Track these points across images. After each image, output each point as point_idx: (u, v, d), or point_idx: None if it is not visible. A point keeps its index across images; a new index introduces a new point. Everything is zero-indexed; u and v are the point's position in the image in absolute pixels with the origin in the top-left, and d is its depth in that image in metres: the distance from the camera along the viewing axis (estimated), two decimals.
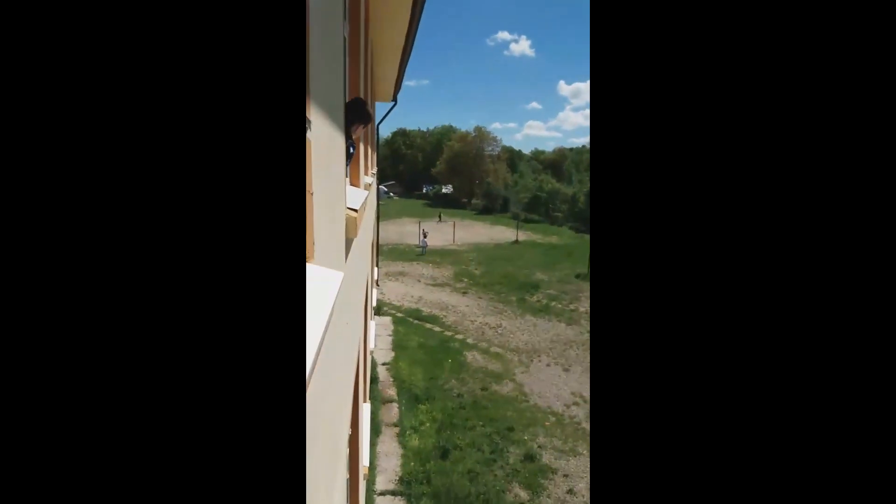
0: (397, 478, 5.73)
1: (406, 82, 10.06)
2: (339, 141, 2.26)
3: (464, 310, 12.65)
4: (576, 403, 7.86)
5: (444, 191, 49.89)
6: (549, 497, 5.60)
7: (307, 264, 1.33)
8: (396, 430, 6.77)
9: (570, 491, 5.72)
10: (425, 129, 60.82)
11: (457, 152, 46.24)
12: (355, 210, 2.66)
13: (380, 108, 11.10)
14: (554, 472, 6.07)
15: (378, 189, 10.79)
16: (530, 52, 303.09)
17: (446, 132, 56.41)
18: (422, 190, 54.65)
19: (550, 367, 9.20)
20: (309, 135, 1.38)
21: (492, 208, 40.97)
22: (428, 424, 6.92)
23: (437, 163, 48.57)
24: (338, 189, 2.09)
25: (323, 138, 1.66)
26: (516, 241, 24.45)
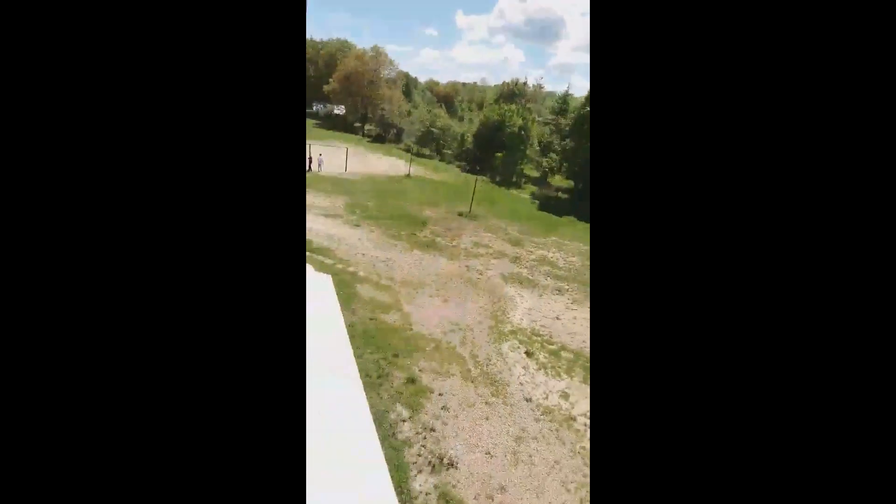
0: None
1: None
2: None
3: (355, 242, 12.94)
4: (452, 331, 8.91)
5: (336, 112, 47.12)
6: (426, 413, 6.57)
7: None
8: None
9: (443, 407, 6.75)
10: (318, 41, 55.39)
11: (352, 70, 43.41)
12: None
13: None
14: (431, 391, 7.06)
15: None
16: None
17: (342, 47, 52.25)
18: (312, 108, 50.87)
19: (432, 299, 10.14)
20: None
21: (385, 137, 40.15)
22: None
23: (331, 80, 45.23)
24: None
25: None
26: (408, 176, 24.76)
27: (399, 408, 6.60)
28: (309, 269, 1.61)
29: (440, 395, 7.03)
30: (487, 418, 6.69)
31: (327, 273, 10.37)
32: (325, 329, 1.13)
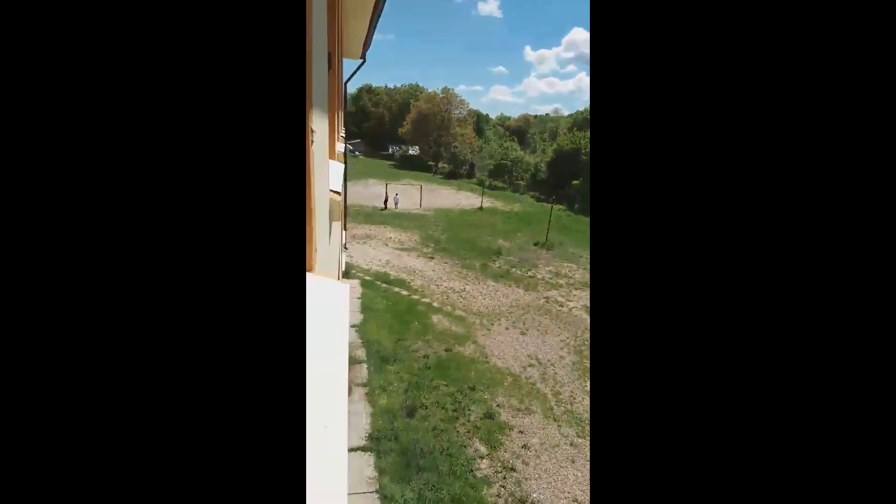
0: (367, 434, 6.10)
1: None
2: (325, 128, 2.34)
3: (430, 274, 12.96)
4: (531, 365, 8.42)
5: (410, 152, 49.19)
6: (505, 451, 6.14)
7: (312, 275, 1.49)
8: (366, 389, 7.11)
9: (524, 446, 6.28)
10: (391, 87, 58.90)
11: (424, 113, 45.33)
12: (338, 192, 2.75)
13: (348, 66, 10.79)
14: (511, 428, 6.61)
15: (345, 148, 10.66)
16: (498, 14, 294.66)
17: (413, 91, 54.90)
18: (387, 150, 53.60)
19: (509, 331, 9.73)
20: (313, 147, 1.51)
21: (458, 173, 40.97)
22: (395, 384, 7.30)
23: (404, 123, 47.52)
24: (324, 180, 2.19)
25: (321, 145, 1.78)
26: (481, 208, 24.77)
27: (476, 443, 6.22)
28: (329, 279, 1.55)
29: (520, 432, 6.55)
30: (573, 461, 6.09)
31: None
32: (322, 344, 1.03)
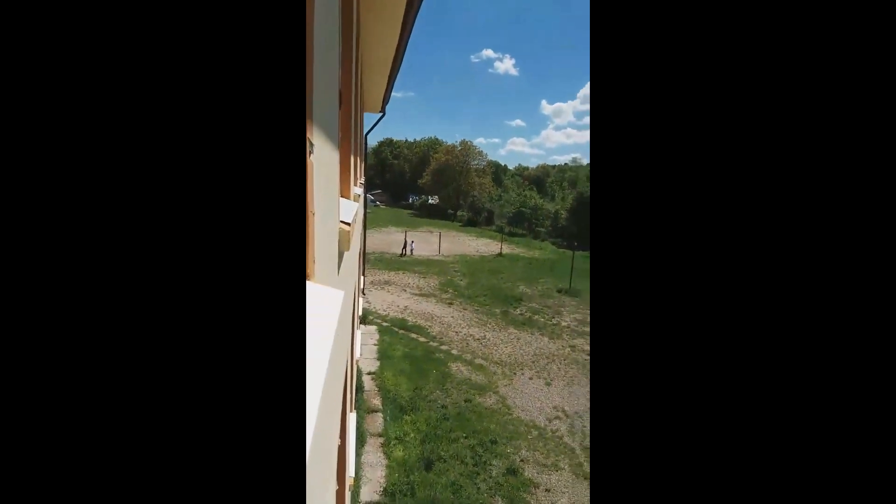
0: (382, 488, 5.70)
1: (393, 94, 10.08)
2: (335, 157, 2.32)
3: (449, 320, 12.68)
4: (557, 418, 7.93)
5: (430, 201, 50.04)
6: None
7: (308, 283, 1.38)
8: (381, 440, 6.75)
9: None
10: (412, 140, 61.08)
11: (443, 164, 46.53)
12: (348, 224, 2.70)
13: (368, 119, 11.18)
14: (536, 486, 6.11)
15: (365, 198, 10.85)
16: (514, 71, 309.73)
17: (432, 144, 56.77)
18: (408, 200, 54.77)
19: (533, 381, 9.27)
20: (312, 157, 1.43)
21: (477, 221, 41.24)
22: (412, 435, 6.91)
23: (424, 174, 48.77)
24: (332, 205, 2.14)
25: (323, 157, 1.71)
26: (500, 254, 24.63)
27: (499, 502, 5.73)
28: (324, 287, 1.43)
29: (547, 490, 6.03)
30: None
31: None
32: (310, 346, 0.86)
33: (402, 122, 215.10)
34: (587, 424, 7.70)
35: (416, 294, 15.34)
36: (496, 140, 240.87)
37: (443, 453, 6.52)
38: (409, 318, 12.59)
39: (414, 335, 11.33)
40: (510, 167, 64.86)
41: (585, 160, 59.66)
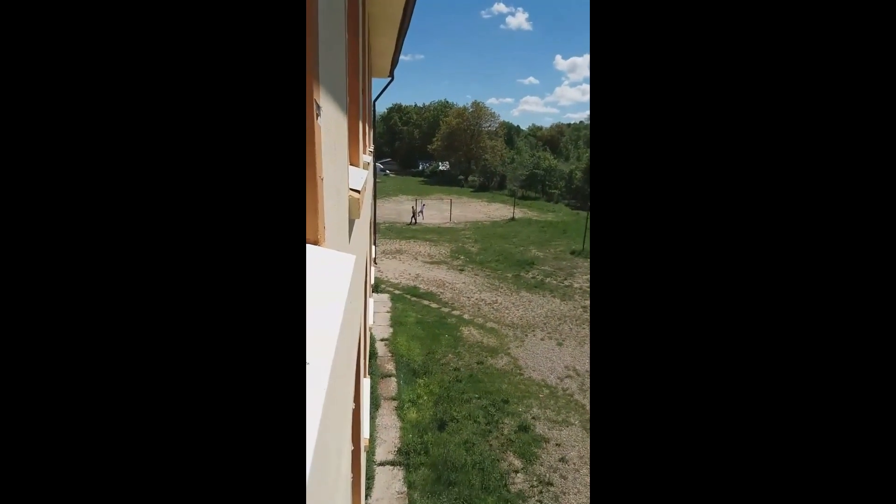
0: (396, 449, 5.95)
1: (401, 57, 9.83)
2: (343, 123, 2.30)
3: (460, 286, 12.80)
4: (569, 376, 8.08)
5: (440, 168, 49.50)
6: (541, 465, 5.85)
7: (319, 248, 1.41)
8: (395, 403, 6.98)
9: (562, 459, 5.96)
10: (421, 105, 59.86)
11: (454, 129, 45.68)
12: (358, 191, 2.71)
13: (376, 84, 10.97)
14: (546, 441, 6.31)
15: (375, 166, 10.78)
16: (527, 26, 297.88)
17: (442, 108, 55.58)
18: (418, 167, 54.18)
19: (545, 342, 9.41)
20: (319, 120, 1.44)
21: (489, 185, 40.80)
22: (426, 398, 7.14)
23: (434, 139, 48.03)
24: (341, 171, 2.15)
25: (331, 123, 1.71)
26: (513, 219, 24.50)
27: (511, 457, 5.96)
28: (335, 251, 1.43)
29: (557, 445, 6.24)
30: None
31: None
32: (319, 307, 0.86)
33: (412, 86, 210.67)
34: None
35: (427, 262, 15.45)
36: (509, 100, 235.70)
37: (455, 414, 6.74)
38: (421, 286, 12.74)
39: (426, 302, 11.50)
40: (523, 128, 63.50)
41: None
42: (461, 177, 45.18)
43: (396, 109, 59.54)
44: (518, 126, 61.91)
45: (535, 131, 62.00)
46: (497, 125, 48.62)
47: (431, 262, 15.28)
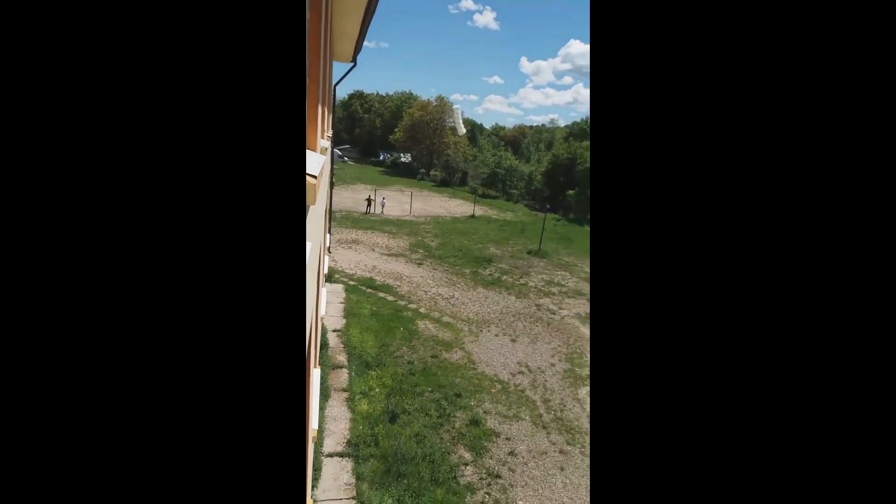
0: (345, 440, 5.86)
1: (365, 43, 9.61)
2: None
3: (418, 280, 12.76)
4: (521, 372, 8.23)
5: (402, 159, 49.02)
6: (491, 458, 5.93)
7: None
8: (346, 394, 6.87)
9: (511, 452, 6.07)
10: (384, 94, 58.91)
11: (417, 121, 45.31)
12: (314, 176, 2.60)
13: (338, 68, 10.67)
14: (497, 435, 6.41)
15: (333, 152, 10.49)
16: (494, 25, 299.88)
17: (406, 99, 54.97)
18: (378, 157, 53.42)
19: (499, 338, 9.54)
20: None
21: (450, 181, 40.85)
22: (378, 390, 7.07)
23: (396, 130, 47.44)
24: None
25: None
26: (473, 216, 24.67)
27: (461, 450, 6.00)
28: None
29: (507, 439, 6.35)
30: (563, 468, 5.90)
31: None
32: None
33: (374, 73, 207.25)
34: (548, 379, 8.06)
35: (385, 254, 15.28)
36: (473, 97, 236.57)
37: (407, 406, 6.72)
38: (378, 278, 12.59)
39: (382, 294, 11.37)
40: (486, 126, 63.89)
41: (563, 122, 59.06)
42: (423, 170, 44.94)
43: (358, 96, 58.38)
44: (482, 124, 62.28)
45: (497, 131, 62.63)
46: (461, 123, 48.65)
47: (389, 255, 15.13)
